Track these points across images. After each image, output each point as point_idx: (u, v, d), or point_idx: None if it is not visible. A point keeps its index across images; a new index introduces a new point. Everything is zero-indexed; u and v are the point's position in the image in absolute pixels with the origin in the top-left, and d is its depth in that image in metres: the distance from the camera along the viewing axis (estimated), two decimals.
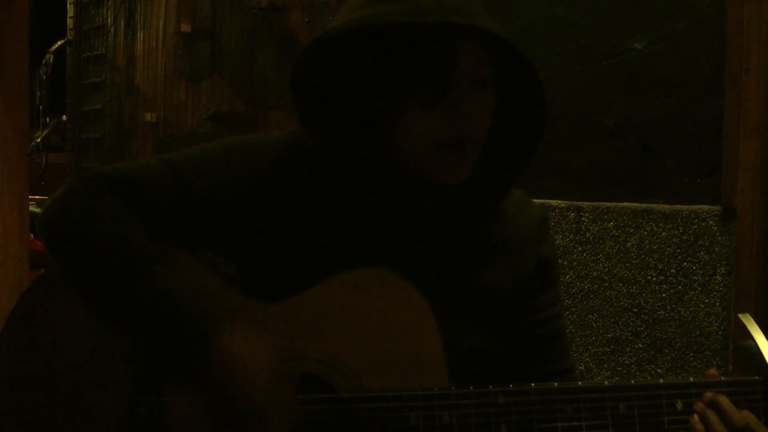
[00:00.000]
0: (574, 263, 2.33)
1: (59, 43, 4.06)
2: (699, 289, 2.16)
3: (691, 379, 1.09)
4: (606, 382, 1.09)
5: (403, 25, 1.06)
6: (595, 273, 2.31)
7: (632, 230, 2.25)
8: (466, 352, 1.15)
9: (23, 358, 1.15)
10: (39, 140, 4.30)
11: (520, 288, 1.22)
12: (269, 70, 3.16)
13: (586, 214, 2.32)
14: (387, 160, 1.15)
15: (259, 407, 1.02)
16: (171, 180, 1.15)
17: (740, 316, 1.12)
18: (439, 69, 1.07)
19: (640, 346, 2.24)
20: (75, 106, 4.03)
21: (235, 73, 3.30)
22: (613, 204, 2.29)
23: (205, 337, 1.03)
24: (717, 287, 2.13)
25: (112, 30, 3.86)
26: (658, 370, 2.22)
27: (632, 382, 1.08)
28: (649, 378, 2.22)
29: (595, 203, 2.32)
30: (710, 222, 2.14)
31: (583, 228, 2.33)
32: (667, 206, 2.21)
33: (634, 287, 2.25)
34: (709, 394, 1.07)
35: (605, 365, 2.29)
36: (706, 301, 2.15)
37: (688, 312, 2.17)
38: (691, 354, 2.17)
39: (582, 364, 2.31)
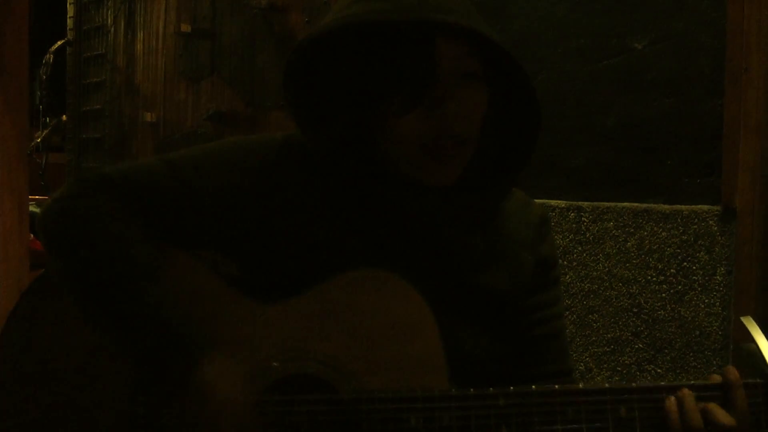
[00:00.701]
0: (574, 263, 2.33)
1: (59, 43, 4.06)
2: (699, 289, 2.16)
3: (692, 381, 1.09)
4: (606, 384, 1.08)
5: (385, 24, 1.06)
6: (595, 273, 2.31)
7: (632, 230, 2.25)
8: (466, 353, 1.15)
9: (23, 358, 1.15)
10: (39, 140, 4.30)
11: (519, 288, 1.22)
12: (269, 70, 3.16)
13: (586, 214, 2.32)
14: (380, 160, 1.15)
15: None
16: (171, 180, 1.15)
17: (742, 318, 1.12)
18: (419, 68, 1.06)
19: (640, 346, 2.24)
20: (75, 106, 4.03)
21: (235, 73, 3.30)
22: (613, 204, 2.29)
23: (188, 359, 1.06)
24: (717, 287, 2.13)
25: (112, 30, 3.86)
26: (658, 370, 2.22)
27: (633, 384, 1.08)
28: (649, 378, 2.23)
29: (595, 203, 2.32)
30: (710, 222, 2.14)
31: (583, 228, 2.33)
32: (667, 206, 2.21)
33: (634, 287, 2.25)
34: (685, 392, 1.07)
35: (605, 365, 2.30)
36: (706, 301, 2.15)
37: (688, 312, 2.17)
38: (691, 354, 2.17)
39: (582, 364, 2.31)
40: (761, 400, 1.07)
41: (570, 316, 2.32)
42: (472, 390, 1.08)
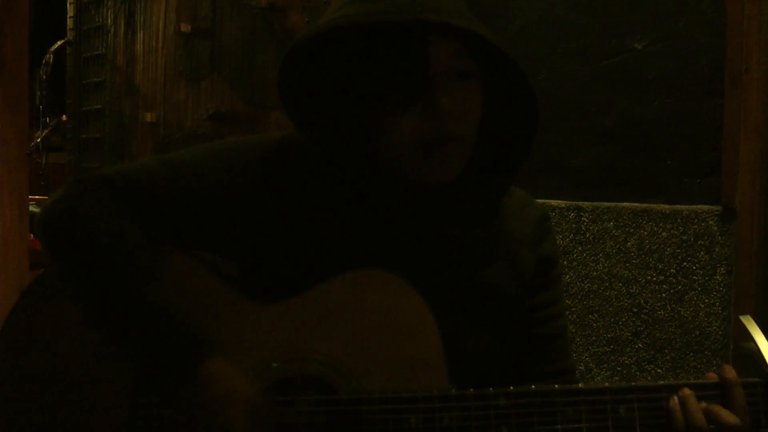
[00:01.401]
0: (574, 263, 2.33)
1: (59, 43, 4.06)
2: (699, 289, 2.16)
3: (692, 380, 1.09)
4: (606, 384, 1.08)
5: (378, 24, 1.06)
6: (595, 273, 2.31)
7: (632, 230, 2.25)
8: (466, 352, 1.15)
9: (23, 358, 1.15)
10: (39, 140, 4.30)
11: (520, 287, 1.22)
12: (269, 70, 3.16)
13: (586, 214, 2.32)
14: (379, 160, 1.15)
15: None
16: (170, 181, 1.15)
17: (741, 317, 1.12)
18: (412, 67, 1.07)
19: (640, 346, 2.24)
20: (75, 106, 4.03)
21: (235, 73, 3.30)
22: (613, 204, 2.29)
23: (190, 360, 1.05)
24: (717, 287, 2.14)
25: (112, 30, 3.86)
26: (658, 370, 2.22)
27: (633, 383, 1.08)
28: (649, 378, 2.23)
29: (595, 203, 2.32)
30: (710, 222, 2.14)
31: (583, 228, 2.33)
32: (667, 206, 2.21)
33: (634, 287, 2.25)
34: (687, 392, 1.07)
35: (605, 365, 2.30)
36: (706, 301, 2.15)
37: (688, 312, 2.17)
38: (691, 354, 2.17)
39: (582, 364, 2.31)
40: (760, 399, 1.07)
41: (570, 316, 2.32)
42: (472, 390, 1.08)
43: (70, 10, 4.03)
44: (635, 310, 2.25)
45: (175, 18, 3.53)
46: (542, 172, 2.39)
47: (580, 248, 2.33)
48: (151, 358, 1.07)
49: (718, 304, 2.13)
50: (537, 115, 1.14)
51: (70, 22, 4.03)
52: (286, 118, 1.18)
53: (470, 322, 1.17)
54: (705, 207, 2.16)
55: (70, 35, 4.03)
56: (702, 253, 2.15)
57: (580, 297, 2.32)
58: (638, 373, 2.25)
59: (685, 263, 2.18)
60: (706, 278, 2.15)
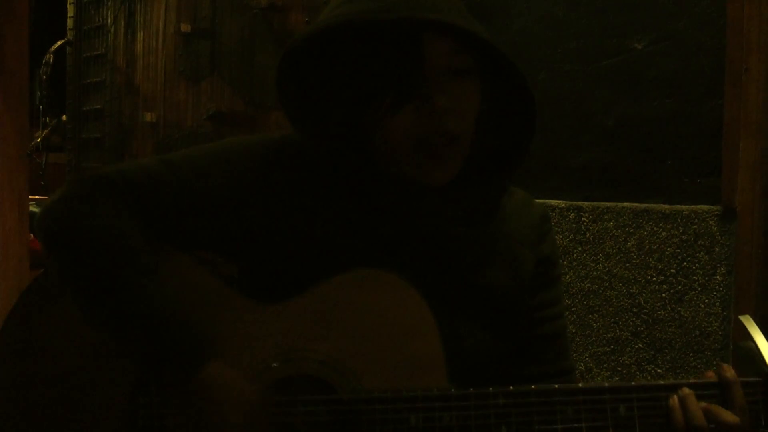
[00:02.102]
0: (574, 263, 2.33)
1: (59, 43, 4.06)
2: (699, 289, 2.16)
3: (692, 379, 1.09)
4: (606, 383, 1.09)
5: (373, 23, 1.07)
6: (595, 273, 2.31)
7: (632, 230, 2.25)
8: (466, 352, 1.15)
9: (22, 359, 1.15)
10: (39, 140, 4.30)
11: (520, 287, 1.22)
12: (269, 70, 3.16)
13: (586, 214, 2.32)
14: (378, 159, 1.15)
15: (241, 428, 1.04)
16: (171, 180, 1.15)
17: (740, 317, 1.12)
18: (408, 65, 1.07)
19: (640, 346, 2.24)
20: (75, 106, 4.03)
21: (235, 73, 3.30)
22: (613, 204, 2.29)
23: (188, 365, 1.05)
24: (717, 287, 2.13)
25: (112, 30, 3.86)
26: (658, 370, 2.22)
27: (633, 383, 1.08)
28: (649, 378, 2.23)
29: (595, 203, 2.32)
30: (710, 222, 2.14)
31: (583, 228, 2.33)
32: (667, 206, 2.21)
33: (634, 287, 2.25)
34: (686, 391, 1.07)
35: (605, 365, 2.30)
36: (706, 301, 2.15)
37: (688, 312, 2.17)
38: (691, 354, 2.17)
39: (582, 364, 2.31)
40: (760, 398, 1.08)
41: (570, 316, 2.32)
42: (471, 389, 1.08)
43: (70, 10, 4.03)
44: (635, 310, 2.25)
45: (175, 18, 3.54)
46: (542, 172, 2.39)
47: (580, 248, 2.33)
48: (151, 358, 1.07)
49: (718, 304, 2.13)
50: (534, 114, 1.14)
51: (70, 22, 4.04)
52: (286, 118, 1.18)
53: (470, 322, 1.17)
54: (705, 207, 2.16)
55: (70, 35, 4.03)
56: (702, 253, 2.15)
57: (580, 297, 2.32)
58: (638, 373, 2.25)
59: (685, 263, 2.18)
60: (706, 278, 2.15)
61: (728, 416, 1.05)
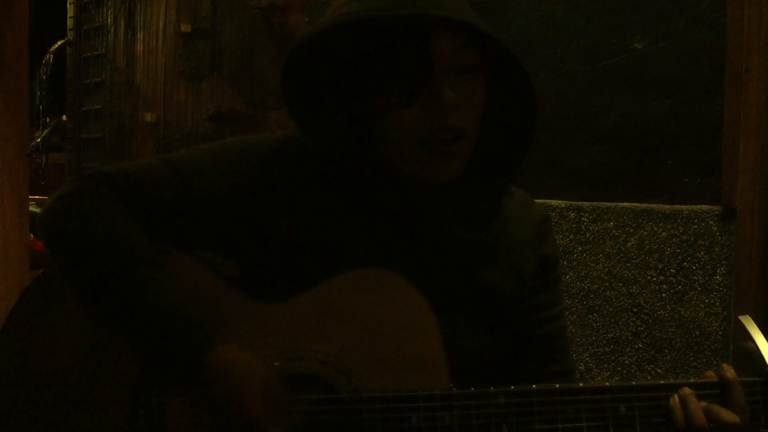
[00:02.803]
0: (574, 263, 2.33)
1: (59, 43, 4.06)
2: (699, 289, 2.16)
3: (692, 379, 1.09)
4: (606, 383, 1.09)
5: (380, 20, 1.07)
6: (595, 273, 2.31)
7: (632, 230, 2.25)
8: (466, 352, 1.15)
9: (23, 358, 1.15)
10: (39, 140, 4.30)
11: (520, 287, 1.22)
12: (269, 70, 3.16)
13: (586, 214, 2.32)
14: (380, 158, 1.15)
15: (255, 415, 1.02)
16: (172, 180, 1.15)
17: (740, 317, 1.12)
18: (414, 62, 1.07)
19: (640, 346, 2.24)
20: (75, 106, 4.03)
21: (235, 73, 3.31)
22: (613, 204, 2.29)
23: (199, 348, 1.04)
24: (717, 287, 2.14)
25: (112, 30, 3.86)
26: (658, 370, 2.22)
27: (633, 383, 1.08)
28: (649, 378, 2.23)
29: (595, 203, 2.32)
30: (710, 222, 2.14)
31: (583, 228, 2.33)
32: (667, 206, 2.21)
33: (634, 287, 2.25)
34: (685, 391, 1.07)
35: (605, 365, 2.30)
36: (706, 301, 2.15)
37: (688, 312, 2.17)
38: (691, 354, 2.18)
39: (582, 364, 2.31)
40: (760, 398, 1.08)
41: (570, 316, 2.32)
42: (472, 389, 1.08)
43: (70, 10, 4.03)
44: (635, 310, 2.25)
45: (175, 18, 3.54)
46: (542, 172, 2.39)
47: (580, 248, 2.33)
48: (159, 349, 1.05)
49: (718, 304, 2.14)
50: (535, 114, 1.14)
51: (70, 22, 4.04)
52: (287, 117, 1.18)
53: (470, 322, 1.18)
54: (705, 207, 2.16)
55: (70, 35, 4.03)
56: (702, 253, 2.15)
57: (580, 297, 2.32)
58: (638, 373, 2.25)
59: (685, 263, 2.18)
60: (706, 278, 2.15)
61: (728, 416, 1.05)
